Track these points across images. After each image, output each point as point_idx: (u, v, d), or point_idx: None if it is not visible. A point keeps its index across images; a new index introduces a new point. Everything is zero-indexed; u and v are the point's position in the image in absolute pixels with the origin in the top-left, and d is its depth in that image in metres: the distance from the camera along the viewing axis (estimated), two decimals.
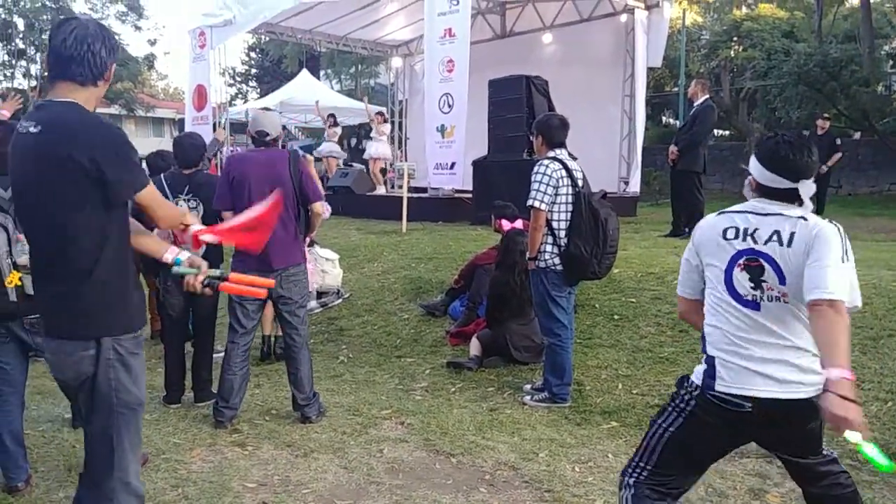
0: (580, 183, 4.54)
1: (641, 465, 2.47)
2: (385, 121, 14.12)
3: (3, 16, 27.17)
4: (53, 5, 27.42)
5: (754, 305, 2.30)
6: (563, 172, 4.48)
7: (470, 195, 10.21)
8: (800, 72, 15.22)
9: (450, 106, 9.45)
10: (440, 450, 3.93)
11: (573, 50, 13.17)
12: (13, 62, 28.32)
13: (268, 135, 4.31)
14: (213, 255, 4.63)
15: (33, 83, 28.46)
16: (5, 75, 28.56)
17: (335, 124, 14.32)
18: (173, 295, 4.68)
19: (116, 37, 2.33)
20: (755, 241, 2.32)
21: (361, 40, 16.15)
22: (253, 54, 34.22)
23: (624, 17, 12.17)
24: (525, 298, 5.16)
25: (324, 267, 6.96)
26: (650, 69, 12.82)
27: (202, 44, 13.83)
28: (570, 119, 4.75)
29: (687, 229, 8.19)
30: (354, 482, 3.57)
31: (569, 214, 4.50)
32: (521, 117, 9.23)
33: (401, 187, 11.78)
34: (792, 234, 2.27)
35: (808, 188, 2.34)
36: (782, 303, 2.28)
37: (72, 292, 2.20)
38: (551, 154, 4.56)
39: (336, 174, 13.16)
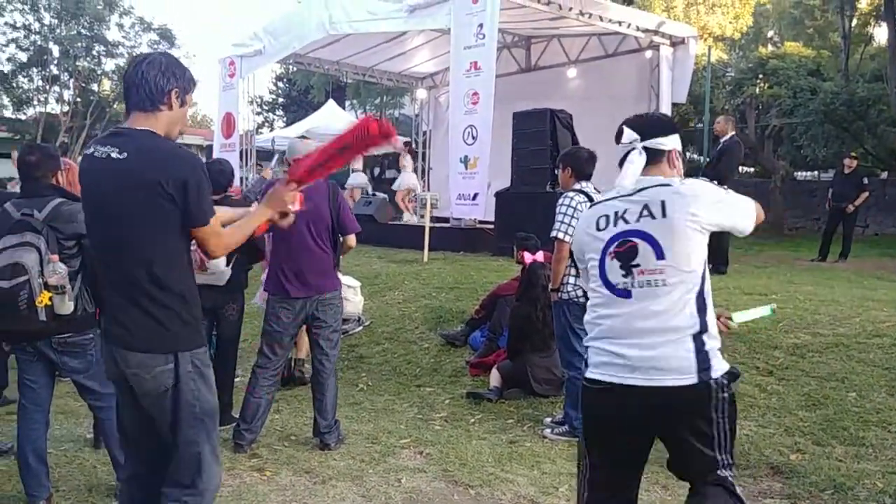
0: None
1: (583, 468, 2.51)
2: (409, 152, 14.26)
3: (39, 42, 27.85)
4: (88, 33, 28.08)
5: (624, 293, 2.24)
6: (588, 203, 4.48)
7: (492, 226, 10.23)
8: (826, 110, 15.16)
9: (473, 137, 9.52)
10: (459, 481, 3.90)
11: (597, 85, 13.24)
12: (47, 87, 28.94)
13: None
14: (237, 278, 4.69)
15: (66, 108, 29.08)
16: (39, 100, 29.18)
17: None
18: None
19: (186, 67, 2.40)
20: (626, 222, 2.26)
21: (387, 72, 16.35)
22: (280, 84, 34.71)
23: (649, 53, 12.23)
24: (547, 333, 5.14)
25: (345, 294, 6.95)
26: (675, 105, 12.85)
27: (231, 73, 14.11)
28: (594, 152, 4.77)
29: (711, 265, 8.13)
30: None
31: None
32: (545, 150, 9.28)
33: (423, 216, 11.84)
34: (663, 203, 2.22)
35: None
36: (653, 286, 2.20)
37: (154, 310, 2.34)
38: (577, 186, 4.57)
39: (359, 202, 13.26)
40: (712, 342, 2.24)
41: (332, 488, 3.79)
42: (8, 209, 3.35)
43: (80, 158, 2.44)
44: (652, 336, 2.20)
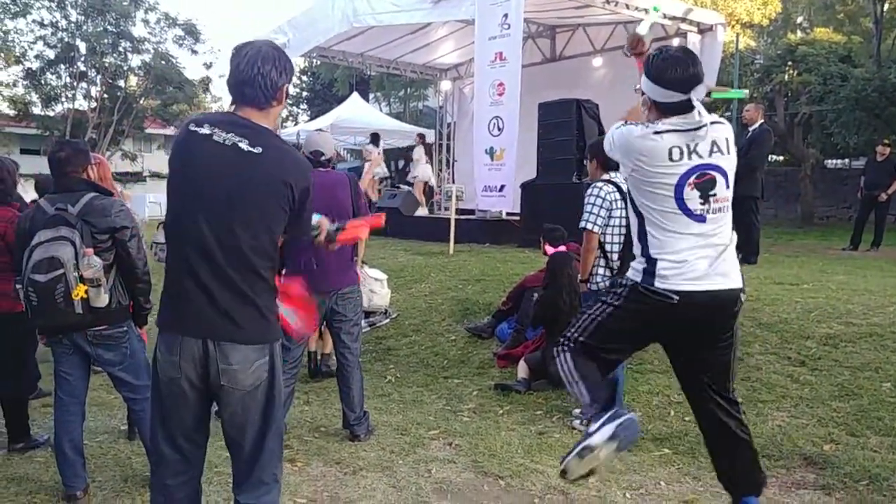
0: None
1: (576, 335, 2.71)
2: (422, 143, 14.49)
3: (66, 39, 28.24)
4: (114, 29, 28.39)
5: (700, 218, 2.50)
6: (617, 195, 4.45)
7: (518, 217, 10.20)
8: (857, 97, 14.88)
9: (500, 129, 9.49)
10: (488, 472, 3.90)
11: (624, 74, 13.05)
12: (75, 84, 29.34)
13: (322, 154, 4.38)
14: None
15: (93, 104, 29.46)
16: (67, 97, 29.60)
17: (376, 143, 14.56)
18: None
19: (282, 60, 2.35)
20: (700, 156, 2.48)
21: (411, 64, 16.33)
22: (305, 77, 34.89)
23: (676, 41, 12.05)
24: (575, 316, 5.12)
25: (372, 287, 7.02)
26: None
27: None
28: None
29: (741, 256, 8.05)
30: (403, 501, 3.57)
31: (622, 237, 4.46)
32: (571, 140, 9.23)
33: (447, 209, 11.84)
34: (727, 140, 2.52)
35: (699, 94, 2.56)
36: (723, 211, 2.52)
37: (258, 300, 2.32)
38: (605, 177, 4.54)
39: (385, 195, 13.31)
40: None
41: (363, 479, 3.82)
42: (42, 204, 3.41)
43: (182, 133, 2.35)
44: (722, 251, 2.52)
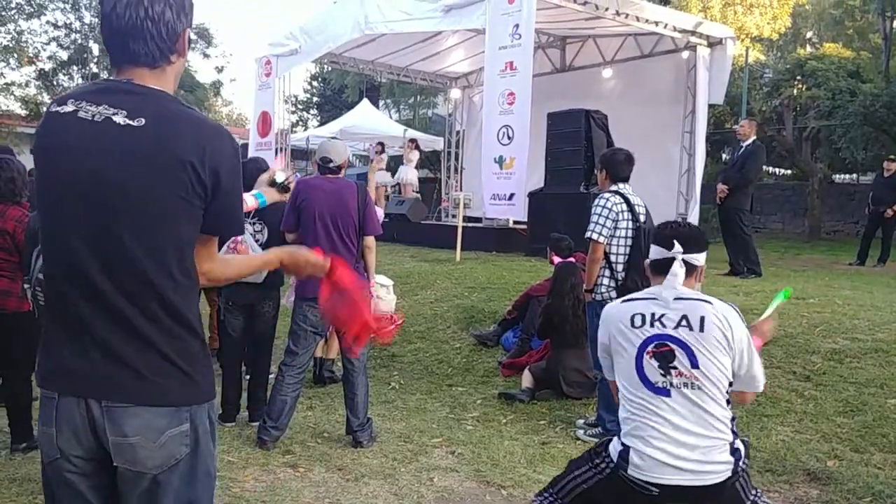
0: (642, 218, 4.51)
1: (551, 498, 2.58)
2: (416, 148, 14.56)
3: (79, 41, 28.45)
4: None
5: (664, 392, 2.34)
6: (625, 206, 4.46)
7: (525, 226, 10.21)
8: (866, 112, 14.86)
9: (509, 138, 9.50)
10: (491, 481, 3.90)
11: (633, 85, 13.13)
12: None
13: (331, 161, 4.42)
14: (274, 276, 4.75)
15: None
16: None
17: (382, 152, 14.66)
18: (234, 315, 4.80)
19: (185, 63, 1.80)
20: (664, 326, 2.38)
21: (421, 72, 16.38)
22: (315, 83, 35.00)
23: (686, 54, 12.10)
24: (579, 327, 5.14)
25: (378, 292, 7.00)
26: (711, 106, 12.70)
27: (268, 72, 14.24)
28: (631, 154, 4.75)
29: (747, 269, 8.07)
30: None
31: (628, 248, 4.48)
32: (580, 150, 9.26)
33: (455, 216, 11.86)
34: (702, 319, 2.36)
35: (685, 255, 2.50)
36: (693, 389, 2.32)
37: (164, 343, 1.61)
38: (613, 188, 4.55)
39: (391, 202, 13.34)
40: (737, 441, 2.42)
41: (365, 486, 3.82)
42: None
43: (44, 120, 1.72)
44: (692, 437, 2.32)
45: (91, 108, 1.60)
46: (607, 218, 4.43)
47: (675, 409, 2.32)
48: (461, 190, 13.63)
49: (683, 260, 2.47)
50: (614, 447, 2.45)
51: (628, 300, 2.53)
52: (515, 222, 10.56)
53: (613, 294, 4.45)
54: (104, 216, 1.58)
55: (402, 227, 12.15)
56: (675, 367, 2.33)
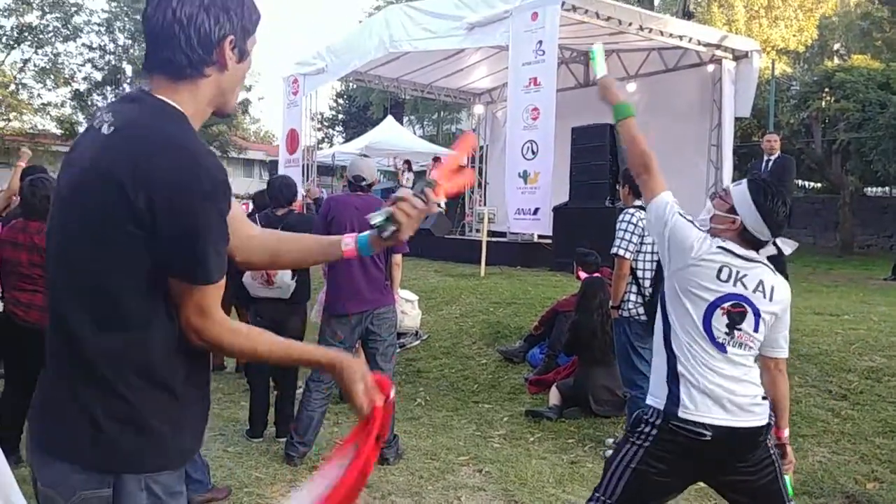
0: None
1: (603, 499, 2.48)
2: (410, 169, 14.63)
3: (113, 62, 29.05)
4: None
5: (721, 348, 2.37)
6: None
7: (550, 241, 10.17)
8: None
9: (534, 153, 9.50)
10: (519, 501, 3.85)
11: (658, 99, 13.07)
12: None
13: (364, 180, 4.47)
14: (301, 291, 4.78)
15: None
16: None
17: (410, 169, 14.75)
18: None
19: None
20: (745, 287, 2.38)
21: (445, 88, 16.47)
22: (341, 100, 35.32)
23: (711, 68, 12.03)
24: (606, 343, 5.08)
25: (403, 308, 7.02)
26: (737, 119, 12.59)
27: (295, 90, 14.42)
28: None
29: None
30: None
31: (654, 264, 4.42)
32: (605, 165, 9.22)
33: (479, 231, 11.84)
34: (773, 289, 2.40)
35: (787, 243, 2.53)
36: (745, 349, 2.38)
37: (96, 397, 1.36)
38: (637, 203, 4.51)
39: None
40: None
41: None
42: None
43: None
44: (739, 385, 2.37)
45: (103, 115, 1.40)
46: (633, 234, 4.39)
47: (725, 363, 2.36)
48: (485, 204, 13.63)
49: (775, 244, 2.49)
50: (656, 398, 2.41)
51: (720, 248, 2.40)
52: (540, 237, 10.52)
53: (641, 310, 4.40)
54: (55, 245, 1.42)
55: (427, 242, 12.14)
56: (740, 329, 2.37)
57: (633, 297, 4.44)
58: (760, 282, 2.39)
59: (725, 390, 2.33)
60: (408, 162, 15.12)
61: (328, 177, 20.17)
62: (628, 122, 2.74)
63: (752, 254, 2.42)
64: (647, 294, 4.40)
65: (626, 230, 4.41)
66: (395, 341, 4.67)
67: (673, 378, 2.38)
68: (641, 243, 4.41)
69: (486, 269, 9.50)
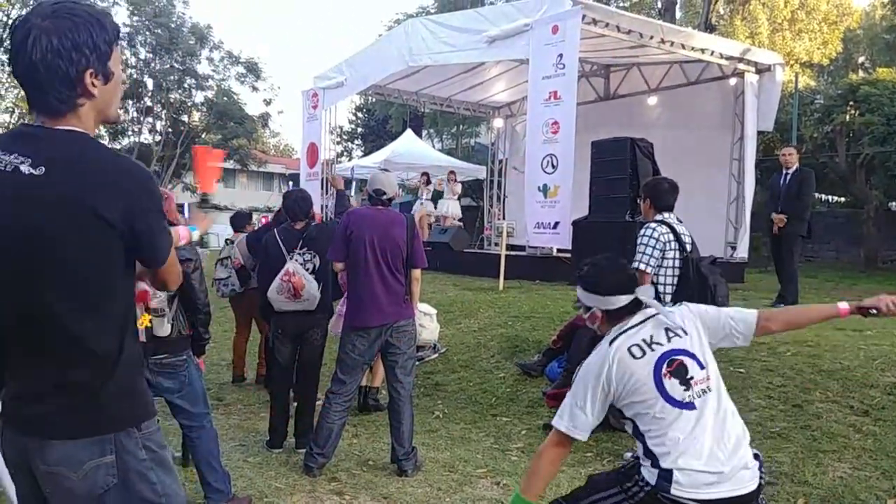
0: (688, 247, 4.46)
1: None
2: (429, 182, 14.59)
3: (135, 76, 29.45)
4: (180, 67, 29.54)
5: (689, 406, 2.33)
6: (671, 236, 4.41)
7: (569, 255, 10.16)
8: None
9: (553, 167, 9.51)
10: None
11: (679, 113, 13.05)
12: (141, 119, 30.51)
13: (384, 194, 4.51)
14: (324, 302, 4.81)
15: (158, 138, 30.56)
16: (134, 131, 30.79)
17: (429, 182, 14.77)
18: (283, 342, 4.86)
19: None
20: (660, 344, 2.38)
21: (464, 102, 16.55)
22: (360, 114, 35.58)
23: (733, 81, 12.00)
24: None
25: (421, 321, 7.03)
26: (760, 133, 12.53)
27: (315, 104, 14.56)
28: (675, 182, 4.70)
29: (779, 297, 7.97)
30: None
31: (675, 279, 4.42)
32: (625, 179, 9.18)
33: (497, 244, 11.86)
34: (675, 323, 2.41)
35: (644, 292, 2.52)
36: (708, 391, 2.35)
37: (80, 376, 1.65)
38: (658, 217, 4.51)
39: (434, 230, 13.43)
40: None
41: None
42: None
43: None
44: (726, 440, 2.32)
45: (4, 157, 1.60)
46: (654, 248, 4.39)
47: (703, 419, 2.32)
48: (504, 218, 13.65)
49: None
50: (649, 473, 2.37)
51: (614, 341, 2.44)
52: (559, 251, 10.52)
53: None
54: (21, 276, 1.61)
55: (445, 256, 12.20)
56: (691, 378, 2.35)
57: None
58: (666, 328, 2.41)
59: (711, 451, 2.28)
60: (426, 175, 15.16)
61: (346, 190, 20.29)
62: None
63: (635, 319, 2.46)
64: None
65: (647, 244, 4.40)
66: (415, 354, 4.69)
67: (655, 458, 2.34)
68: (663, 258, 4.40)
69: (504, 283, 9.51)
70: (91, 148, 1.63)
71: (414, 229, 4.51)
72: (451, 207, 14.36)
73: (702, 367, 2.36)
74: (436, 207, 15.02)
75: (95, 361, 1.65)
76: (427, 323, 7.15)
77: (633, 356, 2.38)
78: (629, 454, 4.73)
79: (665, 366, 2.35)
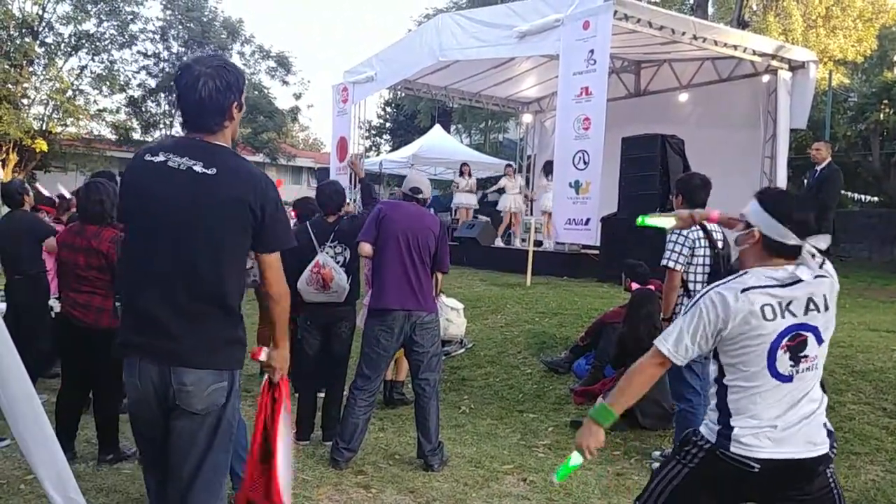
0: (720, 244, 4.41)
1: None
2: (470, 173, 14.37)
3: (167, 69, 29.78)
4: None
5: (788, 379, 2.25)
6: (701, 233, 4.36)
7: (597, 251, 10.10)
8: None
9: (585, 163, 9.44)
10: None
11: (711, 109, 12.89)
12: (173, 112, 30.83)
13: (420, 192, 4.58)
14: (353, 293, 4.84)
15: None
16: (165, 124, 31.14)
17: (469, 175, 14.63)
18: (312, 335, 4.89)
19: (244, 69, 2.20)
20: (794, 315, 2.24)
21: (494, 97, 16.50)
22: (388, 109, 35.65)
23: (766, 78, 11.83)
24: None
25: (448, 316, 7.04)
26: (793, 131, 12.34)
27: (344, 99, 14.61)
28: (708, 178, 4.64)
29: None
30: None
31: (706, 276, 4.37)
32: (655, 175, 9.10)
33: (525, 240, 11.82)
34: (825, 297, 2.28)
35: (820, 241, 2.27)
36: (812, 370, 2.27)
37: (219, 328, 2.34)
38: None
39: (463, 226, 13.39)
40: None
41: None
42: None
43: (133, 162, 2.42)
44: (809, 414, 2.27)
45: (177, 158, 2.31)
46: (683, 245, 4.34)
47: (792, 392, 2.25)
48: (531, 214, 13.58)
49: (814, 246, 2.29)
50: (709, 429, 2.33)
51: (749, 289, 2.27)
52: (585, 247, 10.46)
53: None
54: (186, 239, 2.28)
55: (473, 251, 12.19)
56: (805, 356, 2.25)
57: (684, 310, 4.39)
58: (809, 299, 2.24)
59: (785, 421, 2.23)
60: (466, 165, 15.03)
61: (375, 184, 20.35)
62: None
63: (780, 274, 2.26)
64: None
65: (676, 241, 4.36)
66: (440, 350, 4.70)
67: (726, 412, 2.29)
68: (692, 255, 4.36)
69: (531, 279, 9.49)
70: (238, 159, 2.40)
71: (444, 235, 4.56)
72: (467, 199, 14.27)
73: (819, 344, 2.27)
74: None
75: (223, 315, 2.33)
76: (454, 318, 7.16)
77: (764, 316, 2.23)
78: (657, 452, 4.71)
79: (787, 339, 2.24)
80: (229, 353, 2.37)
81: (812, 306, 2.25)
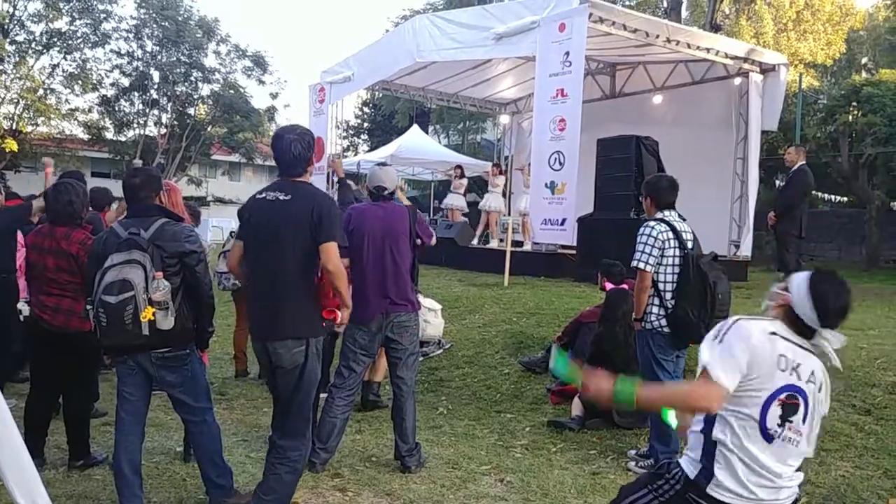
0: (689, 245, 4.45)
1: None
2: (501, 173, 14.20)
3: (141, 68, 29.46)
4: (187, 60, 29.52)
5: (769, 439, 2.27)
6: (670, 234, 4.41)
7: (574, 251, 10.15)
8: None
9: (560, 164, 9.50)
10: None
11: (684, 111, 13.03)
12: (147, 111, 30.52)
13: (385, 189, 4.48)
14: None
15: (163, 131, 30.55)
16: (139, 123, 30.80)
17: (462, 176, 14.58)
18: None
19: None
20: (799, 378, 2.27)
21: (471, 98, 16.53)
22: (366, 109, 35.55)
23: (738, 80, 11.97)
24: (630, 354, 5.06)
25: (426, 317, 7.04)
26: (764, 133, 12.51)
27: (321, 99, 14.55)
28: (680, 180, 4.69)
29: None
30: None
31: (675, 276, 4.41)
32: (630, 176, 9.19)
33: (503, 240, 11.84)
34: (823, 380, 2.32)
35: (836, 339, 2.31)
36: (792, 443, 2.28)
37: (297, 307, 3.42)
38: (659, 215, 4.51)
39: (440, 226, 13.38)
40: None
41: None
42: (115, 228, 3.53)
43: (248, 201, 3.60)
44: (778, 476, 2.28)
45: (273, 193, 3.47)
46: (653, 247, 4.38)
47: (770, 455, 2.27)
48: (509, 214, 13.62)
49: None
50: (688, 466, 2.35)
51: (775, 335, 2.30)
52: (563, 247, 10.52)
53: (663, 322, 4.39)
54: (275, 246, 3.42)
55: (450, 251, 12.20)
56: (791, 422, 2.27)
57: (655, 310, 4.43)
58: (812, 372, 2.28)
59: (761, 477, 2.26)
60: (460, 167, 14.97)
61: (353, 185, 20.26)
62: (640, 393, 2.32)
63: (803, 341, 2.30)
64: (669, 306, 4.39)
65: (645, 243, 4.40)
66: (418, 350, 4.69)
67: (710, 452, 2.30)
68: (662, 255, 4.40)
69: (509, 279, 9.51)
70: (311, 189, 3.55)
71: (416, 215, 4.52)
72: (457, 202, 14.27)
73: (804, 420, 2.28)
74: (440, 202, 14.88)
75: (302, 298, 3.43)
76: (432, 318, 7.16)
77: (778, 366, 2.26)
78: (633, 451, 4.75)
79: (785, 395, 2.26)
80: (307, 326, 3.45)
81: (812, 378, 2.29)
